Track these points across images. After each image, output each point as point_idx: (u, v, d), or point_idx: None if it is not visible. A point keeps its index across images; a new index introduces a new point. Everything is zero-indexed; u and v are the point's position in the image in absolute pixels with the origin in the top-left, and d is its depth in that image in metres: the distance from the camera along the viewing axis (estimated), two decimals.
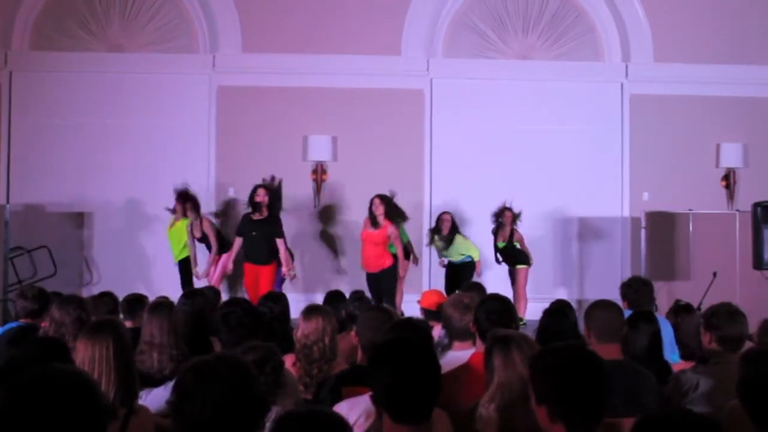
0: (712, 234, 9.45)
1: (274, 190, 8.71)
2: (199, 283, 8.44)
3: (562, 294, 9.14)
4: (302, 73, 10.04)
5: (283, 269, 8.50)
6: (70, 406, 1.68)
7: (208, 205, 9.63)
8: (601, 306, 3.63)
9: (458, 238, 9.30)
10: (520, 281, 9.24)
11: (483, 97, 10.30)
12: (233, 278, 9.43)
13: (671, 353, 4.87)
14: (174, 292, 6.98)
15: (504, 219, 9.28)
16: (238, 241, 8.64)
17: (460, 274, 9.12)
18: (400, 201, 8.97)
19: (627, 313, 4.30)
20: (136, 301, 5.18)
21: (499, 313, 3.62)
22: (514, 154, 10.24)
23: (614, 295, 4.95)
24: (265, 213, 8.54)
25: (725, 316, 3.66)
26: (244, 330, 3.82)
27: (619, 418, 2.93)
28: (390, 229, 8.52)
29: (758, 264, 8.22)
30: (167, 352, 3.74)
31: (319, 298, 7.51)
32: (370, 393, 2.48)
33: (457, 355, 3.79)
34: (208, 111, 10.19)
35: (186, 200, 9.00)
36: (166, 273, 9.37)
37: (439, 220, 9.44)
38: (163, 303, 3.99)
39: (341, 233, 10.15)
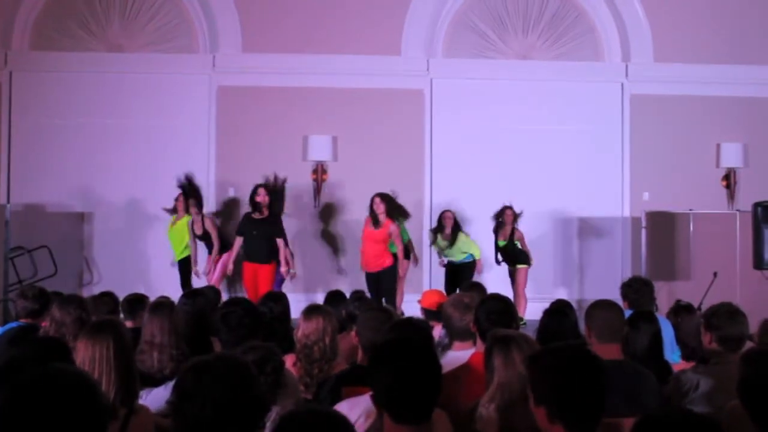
0: (712, 234, 9.45)
1: (276, 191, 8.70)
2: (198, 283, 8.44)
3: (562, 294, 9.14)
4: (302, 73, 10.04)
5: (282, 268, 8.51)
6: (70, 406, 1.68)
7: (208, 205, 9.63)
8: (602, 306, 3.63)
9: (461, 236, 9.31)
10: (519, 281, 9.25)
11: (483, 97, 10.30)
12: (233, 278, 9.43)
13: (671, 353, 4.87)
14: (174, 292, 6.98)
15: (505, 218, 9.30)
16: (238, 241, 8.65)
17: (461, 274, 9.13)
18: (401, 201, 8.98)
19: (627, 313, 4.30)
20: (136, 301, 5.18)
21: (499, 313, 3.62)
22: (514, 154, 10.24)
23: (614, 295, 4.95)
24: (266, 213, 8.56)
25: (725, 316, 3.66)
26: (245, 330, 3.82)
27: (619, 418, 2.93)
28: (392, 227, 8.53)
29: (758, 264, 8.22)
30: (167, 351, 3.74)
31: (319, 298, 7.52)
32: (370, 393, 2.48)
33: (458, 355, 3.79)
34: (208, 111, 10.19)
35: (189, 196, 9.00)
36: (166, 273, 9.37)
37: (441, 218, 9.44)
38: (163, 303, 3.99)
39: (342, 233, 10.15)
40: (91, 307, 4.48)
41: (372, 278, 8.62)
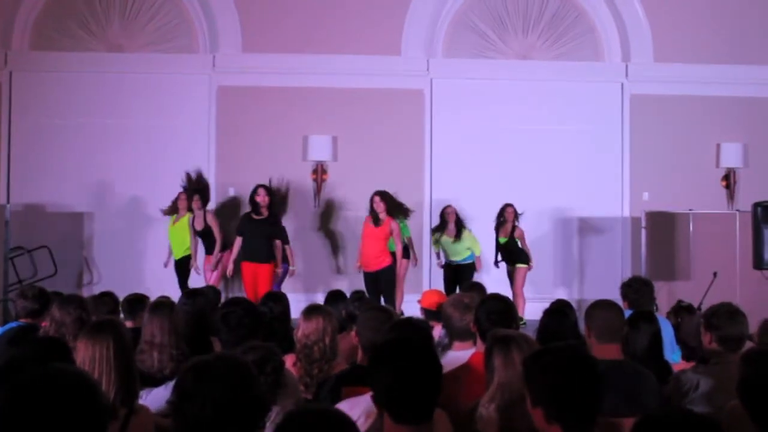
0: (712, 234, 9.45)
1: (277, 194, 8.75)
2: (198, 283, 8.43)
3: (562, 294, 9.15)
4: (302, 73, 10.04)
5: (278, 269, 8.58)
6: (70, 406, 1.68)
7: (208, 205, 9.62)
8: (602, 306, 3.62)
9: (465, 232, 9.30)
10: (518, 281, 9.24)
11: (483, 97, 10.30)
12: (233, 278, 9.43)
13: (671, 353, 4.88)
14: (174, 292, 6.98)
15: (506, 215, 9.30)
16: (238, 241, 8.66)
17: (461, 274, 9.13)
18: (401, 200, 8.98)
19: (627, 313, 4.30)
20: (136, 301, 5.17)
21: (499, 313, 3.62)
22: (514, 154, 10.24)
23: (614, 295, 4.95)
24: (265, 213, 8.56)
25: (725, 316, 3.66)
26: (244, 330, 3.82)
27: (619, 418, 2.93)
28: (393, 224, 8.52)
29: (758, 264, 8.22)
30: (168, 351, 3.74)
31: (319, 298, 7.52)
32: (370, 393, 2.47)
33: (458, 355, 3.79)
34: (208, 111, 10.19)
35: (194, 193, 9.00)
36: (166, 273, 9.36)
37: (443, 213, 9.43)
38: (164, 303, 3.99)
39: (342, 233, 10.14)
40: (91, 307, 4.48)
41: (370, 278, 8.60)
